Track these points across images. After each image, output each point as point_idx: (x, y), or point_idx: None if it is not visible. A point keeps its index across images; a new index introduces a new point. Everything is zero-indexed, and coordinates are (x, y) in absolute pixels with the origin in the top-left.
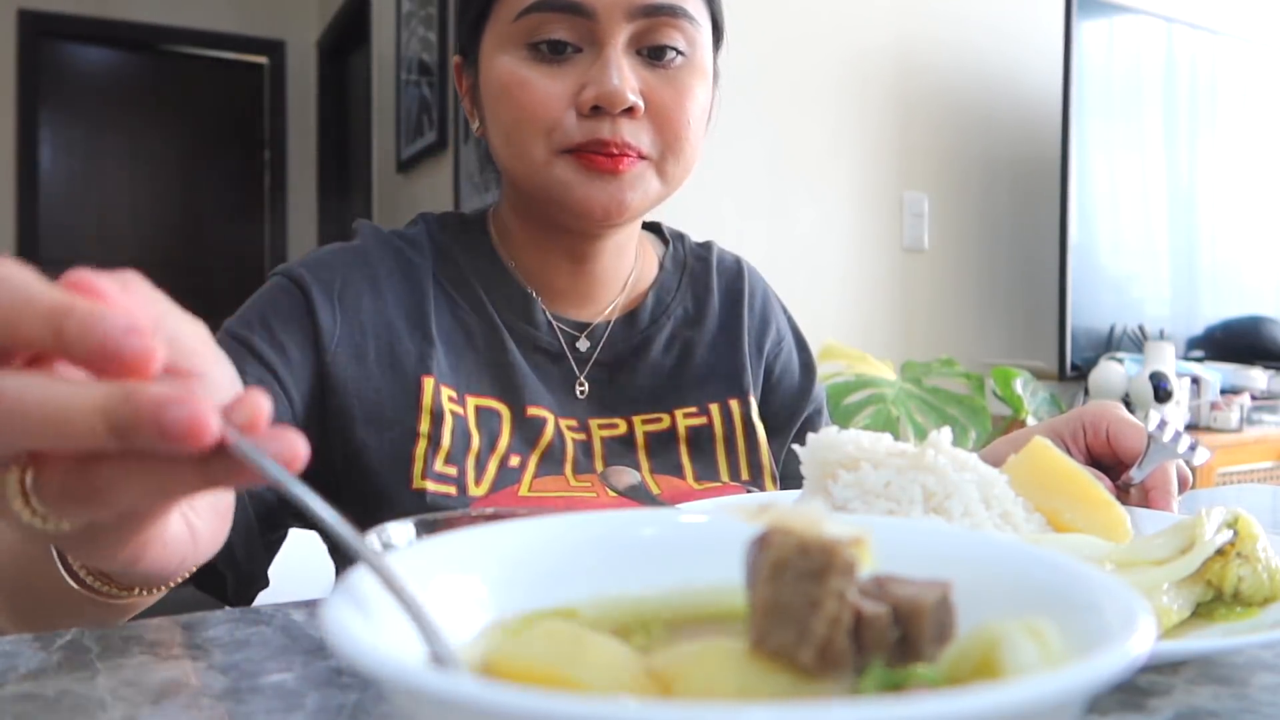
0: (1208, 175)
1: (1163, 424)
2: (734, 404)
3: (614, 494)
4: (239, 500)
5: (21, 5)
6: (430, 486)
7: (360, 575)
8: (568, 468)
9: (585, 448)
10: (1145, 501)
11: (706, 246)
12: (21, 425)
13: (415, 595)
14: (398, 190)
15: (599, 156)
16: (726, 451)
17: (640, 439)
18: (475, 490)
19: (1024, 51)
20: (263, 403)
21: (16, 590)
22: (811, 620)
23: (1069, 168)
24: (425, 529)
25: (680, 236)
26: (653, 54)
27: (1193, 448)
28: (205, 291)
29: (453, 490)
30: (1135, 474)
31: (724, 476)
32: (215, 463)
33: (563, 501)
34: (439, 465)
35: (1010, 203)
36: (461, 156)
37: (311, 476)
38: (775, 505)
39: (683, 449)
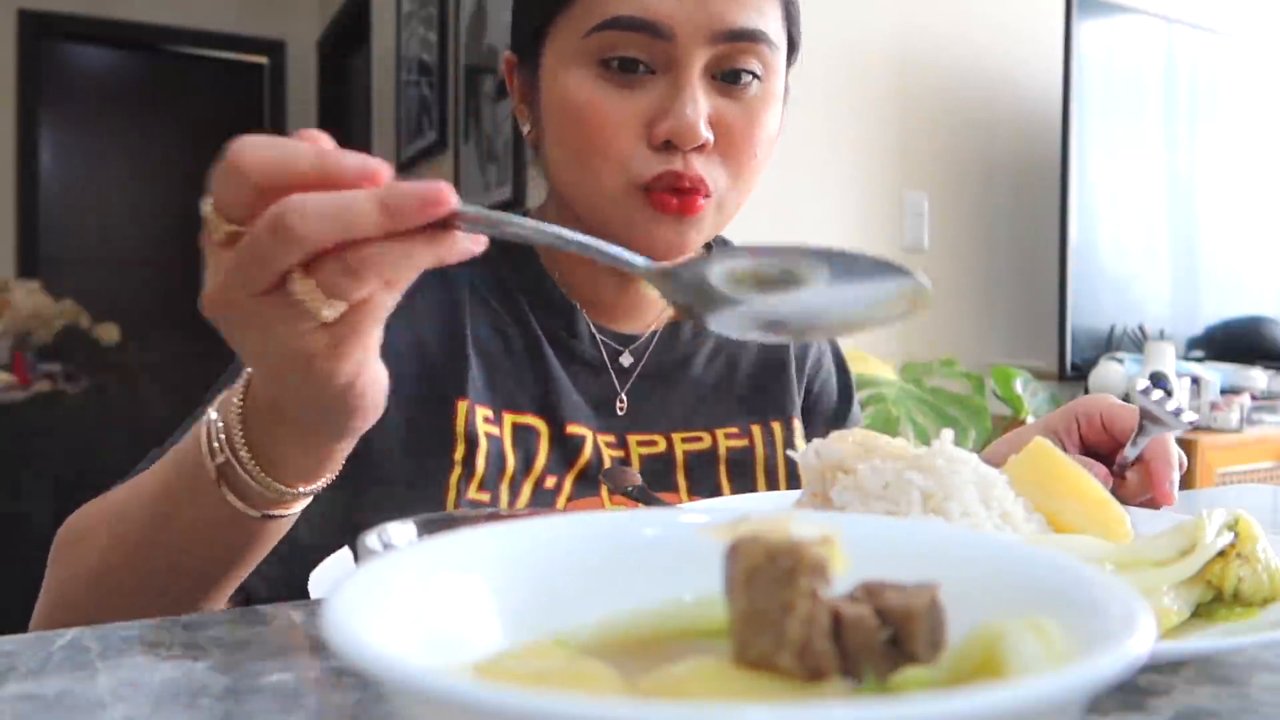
0: (1208, 175)
1: (1149, 389)
2: (776, 426)
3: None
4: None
5: (21, 5)
6: None
7: (360, 576)
8: (604, 489)
9: (623, 464)
10: (1146, 475)
11: None
12: (320, 222)
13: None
14: None
15: (671, 199)
16: (766, 475)
17: (680, 458)
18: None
19: (1024, 51)
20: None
21: (156, 524)
22: (786, 624)
23: (1069, 168)
24: (425, 529)
25: (724, 243)
26: (726, 77)
27: (1178, 413)
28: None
29: None
30: (1129, 451)
31: None
32: (441, 239)
33: None
34: (472, 492)
35: (1010, 203)
36: (461, 156)
37: (342, 504)
38: (748, 517)
39: (722, 471)
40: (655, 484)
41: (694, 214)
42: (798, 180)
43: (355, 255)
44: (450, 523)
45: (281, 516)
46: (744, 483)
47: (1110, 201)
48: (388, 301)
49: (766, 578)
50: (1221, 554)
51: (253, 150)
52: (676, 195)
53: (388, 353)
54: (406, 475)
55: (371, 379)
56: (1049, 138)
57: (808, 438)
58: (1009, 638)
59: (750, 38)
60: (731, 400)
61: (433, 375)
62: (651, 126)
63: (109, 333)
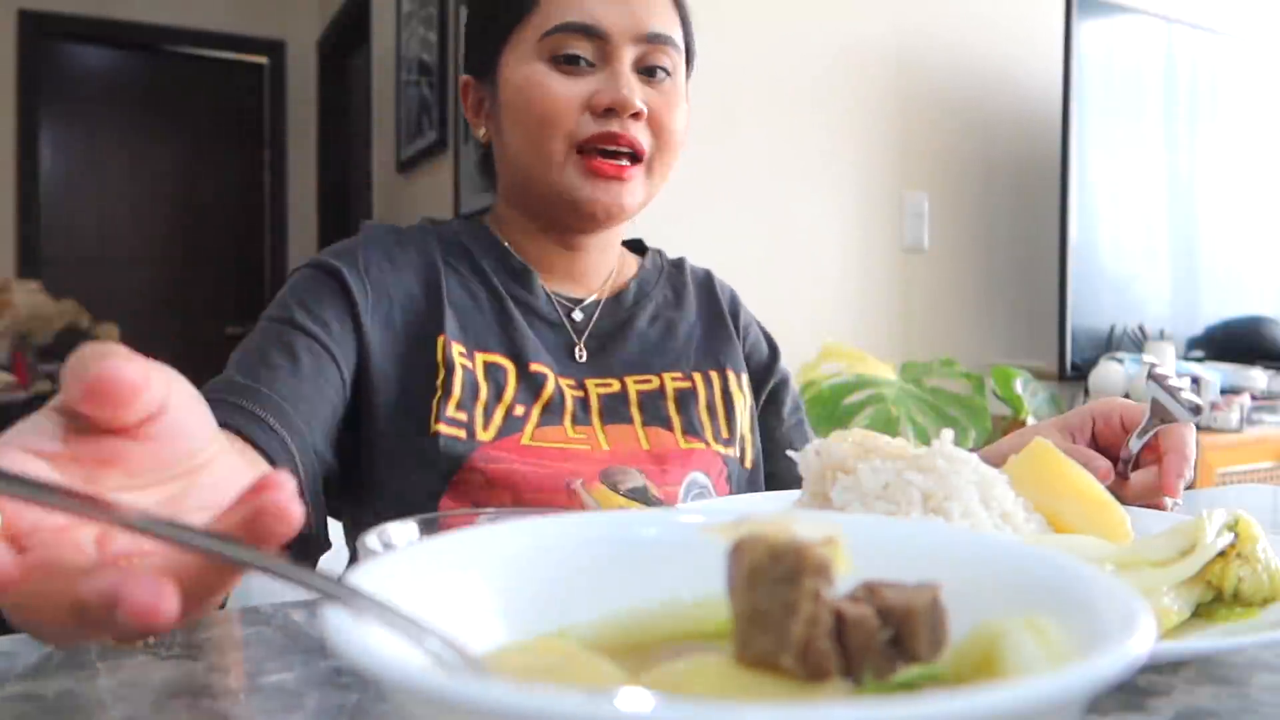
0: (1208, 175)
1: (1163, 373)
2: (714, 375)
3: (618, 494)
4: (306, 460)
5: (21, 5)
6: (443, 430)
7: (360, 576)
8: (566, 419)
9: (583, 403)
10: (1157, 463)
11: (679, 261)
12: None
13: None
14: (398, 190)
15: (606, 165)
16: (709, 414)
17: (633, 395)
18: (483, 435)
19: (1024, 51)
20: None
21: None
22: (789, 624)
23: (1069, 168)
24: (426, 529)
25: (658, 251)
26: (647, 72)
27: (1193, 407)
28: (205, 291)
29: (462, 434)
30: (1133, 443)
31: (707, 435)
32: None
33: (560, 454)
34: (450, 410)
35: (1010, 203)
36: (461, 156)
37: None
38: (751, 517)
39: (670, 406)
40: (611, 417)
41: (627, 178)
42: (798, 180)
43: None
44: (450, 523)
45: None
46: (689, 418)
47: (1110, 201)
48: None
49: (769, 578)
50: (1221, 554)
51: None
52: (611, 162)
53: (385, 299)
54: (399, 398)
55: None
56: (1049, 138)
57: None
58: (1009, 637)
59: (664, 40)
60: (674, 353)
61: (419, 319)
62: (593, 99)
63: (109, 333)
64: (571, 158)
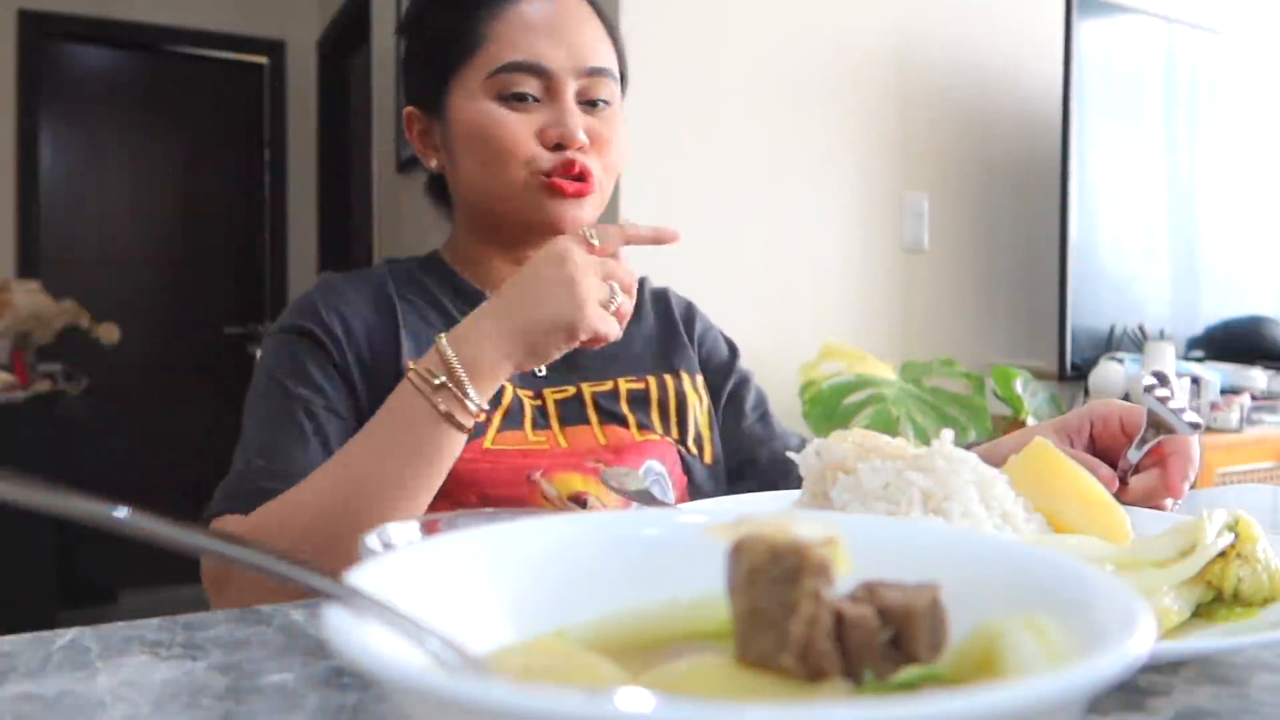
0: (1208, 175)
1: (1154, 386)
2: (668, 377)
3: (619, 495)
4: None
5: (21, 5)
6: None
7: (360, 576)
8: (526, 424)
9: (541, 410)
10: (1161, 468)
11: (639, 281)
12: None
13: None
14: (398, 190)
15: (568, 185)
16: (660, 413)
17: (589, 398)
18: None
19: (1024, 51)
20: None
21: (382, 454)
22: (789, 624)
23: (1069, 167)
24: (427, 529)
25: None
26: (589, 104)
27: (1182, 413)
28: (205, 291)
29: None
30: (1133, 454)
31: (659, 429)
32: None
33: (520, 455)
34: None
35: (1010, 203)
36: None
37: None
38: (750, 517)
39: (624, 405)
40: (569, 419)
41: (585, 195)
42: (797, 180)
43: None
44: (450, 523)
45: (467, 431)
46: (643, 414)
47: (1110, 201)
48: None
49: (769, 578)
50: (1222, 554)
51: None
52: (570, 182)
53: (354, 343)
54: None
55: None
56: (1049, 138)
57: (707, 386)
58: (1009, 637)
59: (602, 73)
60: (630, 360)
61: (381, 346)
62: (543, 134)
63: (109, 333)
64: (534, 181)
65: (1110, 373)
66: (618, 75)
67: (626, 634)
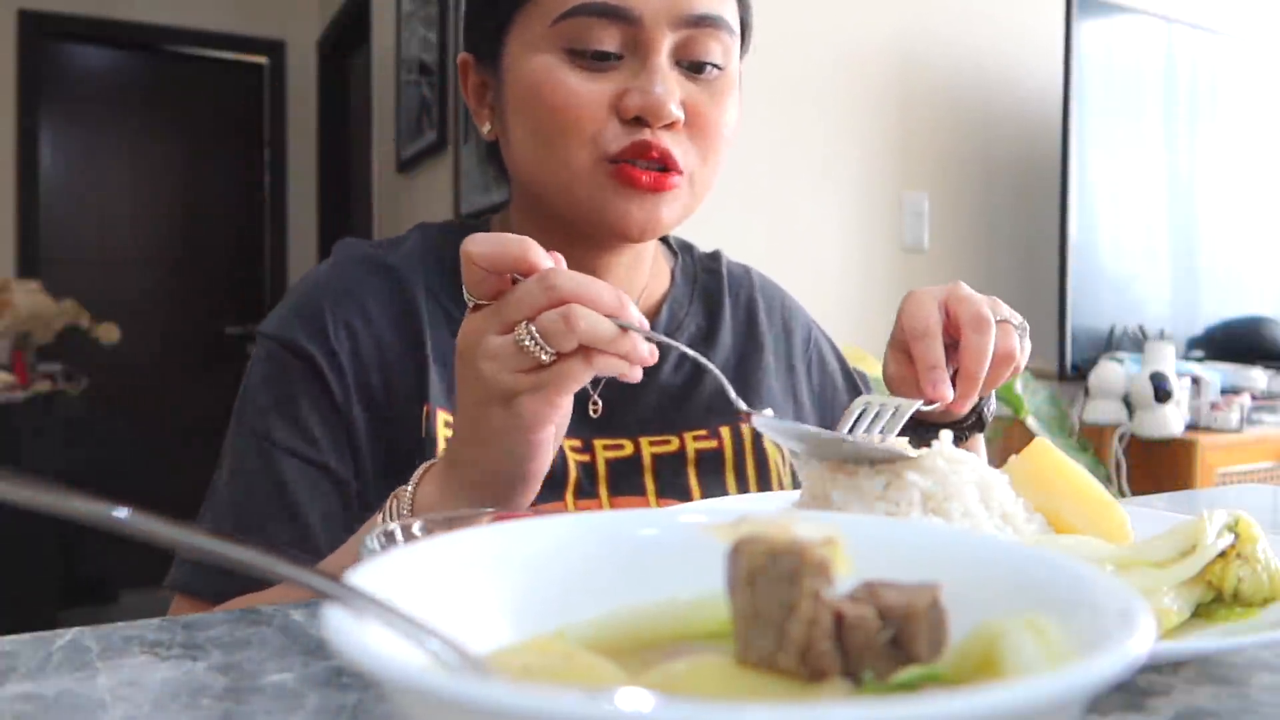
0: (1208, 175)
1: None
2: (745, 429)
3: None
4: None
5: (21, 5)
6: None
7: (360, 576)
8: (569, 493)
9: (589, 470)
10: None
11: (715, 257)
12: (573, 283)
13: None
14: (398, 190)
15: (641, 175)
16: (736, 476)
17: (647, 461)
18: None
19: (1024, 51)
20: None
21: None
22: (789, 624)
23: (1069, 167)
24: (426, 529)
25: (688, 248)
26: (692, 67)
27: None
28: (205, 291)
29: None
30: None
31: None
32: (627, 338)
33: None
34: None
35: (1010, 203)
36: (461, 156)
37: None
38: (750, 517)
39: (691, 472)
40: (621, 487)
41: (665, 190)
42: (797, 180)
43: (573, 311)
44: (450, 523)
45: None
46: (713, 484)
47: (1110, 201)
48: (582, 374)
49: (769, 578)
50: (1222, 554)
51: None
52: (647, 171)
53: (361, 369)
54: (386, 467)
55: (550, 443)
56: (1049, 138)
57: (830, 425)
58: (1009, 637)
59: (712, 23)
60: (700, 403)
61: (395, 382)
62: (620, 103)
63: (109, 333)
64: (600, 168)
65: (1110, 373)
66: (736, 28)
67: (626, 634)
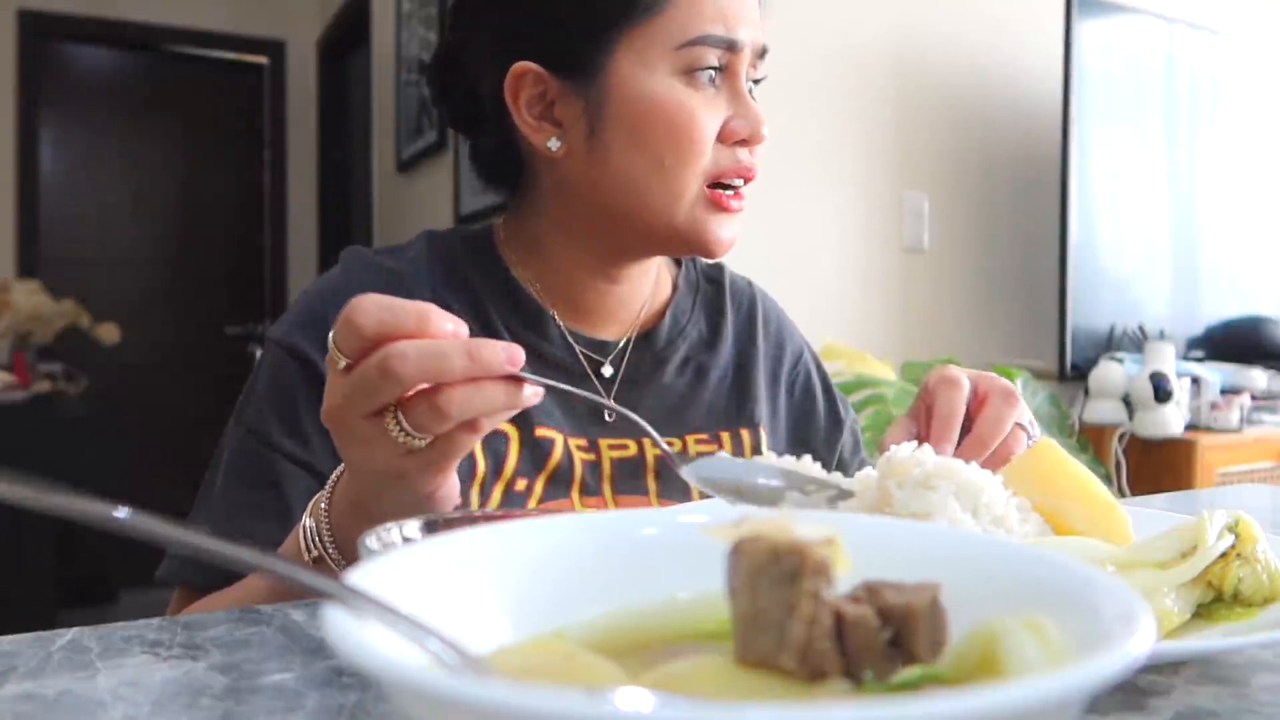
0: (1208, 175)
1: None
2: (745, 433)
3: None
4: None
5: (21, 5)
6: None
7: (360, 576)
8: (575, 491)
9: (594, 469)
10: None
11: (718, 269)
12: (418, 364)
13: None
14: (398, 190)
15: (731, 199)
16: None
17: (650, 461)
18: None
19: (1024, 51)
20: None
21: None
22: (789, 624)
23: (1069, 168)
24: (426, 529)
25: (693, 261)
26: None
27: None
28: (205, 291)
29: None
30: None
31: None
32: (515, 388)
33: None
34: None
35: (1010, 203)
36: (461, 156)
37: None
38: (750, 517)
39: None
40: (625, 486)
41: (741, 210)
42: (797, 180)
43: (443, 397)
44: (450, 523)
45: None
46: None
47: (1110, 201)
48: (469, 441)
49: (769, 578)
50: (1222, 555)
51: (366, 310)
52: (734, 197)
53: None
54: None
55: (449, 490)
56: (1049, 138)
57: (803, 446)
58: (1009, 637)
59: (765, 52)
60: (701, 407)
61: None
62: (727, 129)
63: (109, 333)
64: (702, 192)
65: (1110, 373)
66: None
67: (626, 634)
